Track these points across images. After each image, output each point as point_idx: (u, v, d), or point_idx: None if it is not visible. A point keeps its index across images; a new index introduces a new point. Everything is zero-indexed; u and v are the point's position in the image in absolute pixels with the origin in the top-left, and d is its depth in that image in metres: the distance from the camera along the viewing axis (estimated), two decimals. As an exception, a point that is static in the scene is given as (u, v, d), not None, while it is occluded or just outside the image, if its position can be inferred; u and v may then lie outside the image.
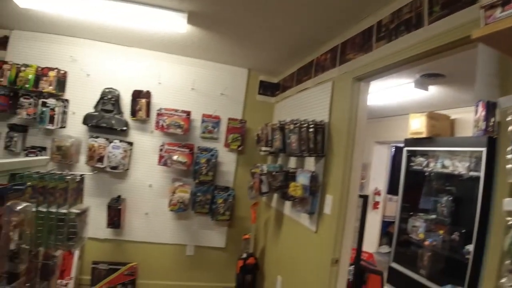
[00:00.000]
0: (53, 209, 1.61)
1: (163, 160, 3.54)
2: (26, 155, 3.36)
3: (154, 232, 3.72)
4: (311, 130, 2.59)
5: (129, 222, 3.67)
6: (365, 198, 2.85)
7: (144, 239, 3.72)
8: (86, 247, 3.63)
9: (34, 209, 1.53)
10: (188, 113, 3.60)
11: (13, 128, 3.39)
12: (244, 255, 3.53)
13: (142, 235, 3.71)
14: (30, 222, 1.38)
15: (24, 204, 1.33)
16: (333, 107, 2.63)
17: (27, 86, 3.30)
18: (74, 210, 1.67)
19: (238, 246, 3.84)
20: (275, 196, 3.45)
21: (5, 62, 3.31)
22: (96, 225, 3.55)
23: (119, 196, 3.60)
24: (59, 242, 1.61)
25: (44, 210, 1.58)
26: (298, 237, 2.91)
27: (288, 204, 3.10)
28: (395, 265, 4.39)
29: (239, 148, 3.81)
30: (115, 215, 3.47)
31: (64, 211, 1.63)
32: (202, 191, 3.61)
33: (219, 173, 3.79)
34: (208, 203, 3.64)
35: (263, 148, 3.43)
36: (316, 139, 2.59)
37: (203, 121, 3.74)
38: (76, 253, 3.50)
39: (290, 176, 2.91)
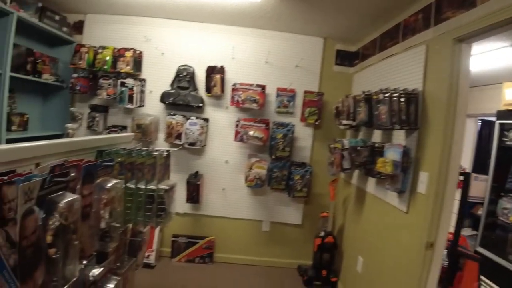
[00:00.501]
0: (142, 186, 1.53)
1: (239, 136, 3.42)
2: (109, 133, 3.45)
3: (231, 207, 3.67)
4: (402, 100, 2.25)
5: (207, 197, 3.65)
6: (466, 176, 2.46)
7: (221, 214, 3.68)
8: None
9: (123, 186, 1.46)
10: (263, 87, 3.41)
11: (94, 108, 3.49)
12: (322, 233, 3.33)
13: (219, 210, 3.68)
14: (120, 199, 1.29)
15: (114, 181, 1.25)
16: (428, 74, 2.25)
17: (105, 67, 3.34)
18: (162, 186, 1.57)
19: (314, 224, 3.65)
20: (356, 172, 3.16)
21: (83, 45, 3.38)
22: (176, 200, 3.57)
23: (197, 172, 3.59)
24: (148, 219, 1.54)
25: (133, 186, 1.50)
26: (383, 217, 2.62)
27: (372, 181, 2.81)
28: (482, 250, 3.89)
29: (316, 123, 3.54)
30: (194, 190, 3.46)
31: (153, 187, 1.55)
32: (278, 167, 3.44)
33: (295, 149, 3.58)
34: (284, 179, 3.46)
35: (344, 122, 3.13)
36: (409, 110, 2.25)
37: (278, 95, 3.52)
38: (158, 227, 3.59)
39: (376, 152, 2.61)
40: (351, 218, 3.28)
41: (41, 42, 3.40)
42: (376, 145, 2.64)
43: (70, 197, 0.99)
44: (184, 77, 3.38)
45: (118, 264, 1.49)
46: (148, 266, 3.43)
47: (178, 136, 3.43)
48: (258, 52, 3.55)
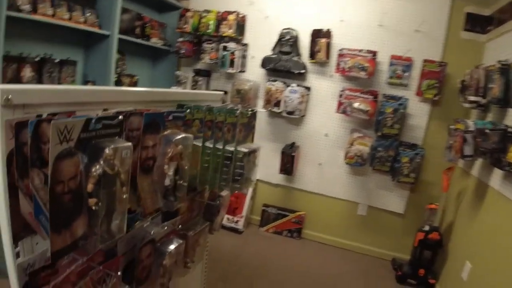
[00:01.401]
0: (220, 146, 1.32)
1: (342, 107, 3.00)
2: (212, 97, 3.39)
3: (326, 184, 3.32)
4: None
5: (301, 171, 3.37)
6: None
7: (315, 189, 3.37)
8: (259, 190, 3.56)
9: (200, 144, 1.27)
10: (373, 54, 2.89)
11: (198, 72, 3.46)
12: (426, 228, 2.77)
13: (313, 185, 3.37)
14: (189, 156, 1.09)
15: (183, 135, 1.04)
16: None
17: (208, 31, 3.23)
18: (242, 148, 1.34)
19: (419, 215, 3.07)
20: (479, 161, 2.48)
21: (188, 10, 3.33)
22: (269, 169, 3.41)
23: (293, 143, 3.32)
24: (223, 182, 1.33)
25: (211, 146, 1.29)
26: (508, 220, 1.98)
27: (499, 174, 2.14)
28: None
29: (435, 98, 2.88)
30: (288, 161, 3.21)
31: (231, 148, 1.32)
32: (384, 146, 2.93)
33: (406, 127, 3.00)
34: (389, 160, 2.94)
35: (471, 98, 2.46)
36: None
37: (391, 64, 2.95)
38: (249, 194, 3.47)
39: (509, 137, 1.95)
40: (464, 215, 2.63)
41: (151, 8, 3.47)
42: (510, 129, 1.98)
43: (119, 143, 0.81)
44: (286, 41, 3.08)
45: (183, 226, 1.33)
46: (235, 231, 3.36)
47: (277, 104, 3.18)
48: (371, 13, 3.00)
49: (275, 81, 3.17)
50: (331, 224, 3.36)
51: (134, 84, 3.39)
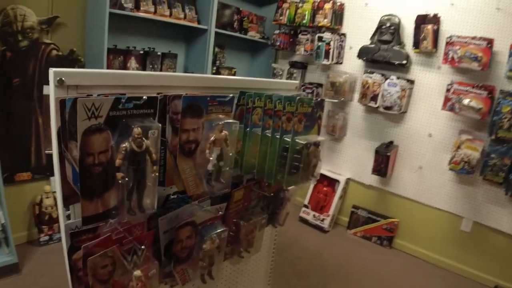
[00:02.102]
0: (278, 135, 1.24)
1: (450, 104, 2.54)
2: (303, 91, 3.30)
3: (425, 191, 2.90)
4: None
5: (397, 173, 3.02)
6: None
7: (412, 196, 2.98)
8: (349, 189, 3.34)
9: (259, 133, 1.22)
10: (489, 42, 2.35)
11: (293, 65, 3.39)
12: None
13: (410, 191, 2.99)
14: (235, 142, 1.05)
15: (226, 120, 1.01)
16: None
17: (304, 22, 3.13)
18: (300, 140, 1.23)
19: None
20: None
21: (284, 1, 3.26)
22: (362, 168, 3.16)
23: (390, 142, 2.99)
24: (279, 175, 1.25)
25: (268, 135, 1.23)
26: None
27: None
28: None
29: None
30: (382, 162, 2.90)
31: (288, 139, 1.23)
32: (498, 152, 2.37)
33: (535, 131, 2.40)
34: (504, 170, 2.36)
35: None
36: None
37: (511, 54, 2.38)
38: (338, 192, 3.28)
39: None
40: None
41: (251, 2, 3.53)
42: None
43: (148, 123, 0.82)
44: (387, 29, 2.76)
45: (237, 214, 1.30)
46: (321, 229, 3.22)
47: (374, 98, 2.90)
48: (490, -6, 2.47)
49: (372, 73, 2.89)
50: (427, 237, 2.93)
51: (233, 75, 3.53)
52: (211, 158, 1.00)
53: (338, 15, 3.05)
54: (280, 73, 3.52)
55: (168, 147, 0.97)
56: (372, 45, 2.85)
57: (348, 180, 3.31)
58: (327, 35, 2.98)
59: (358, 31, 3.03)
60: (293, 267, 2.62)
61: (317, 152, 1.31)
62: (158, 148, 0.85)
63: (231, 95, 1.04)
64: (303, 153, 1.24)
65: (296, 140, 1.23)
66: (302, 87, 3.32)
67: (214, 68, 3.33)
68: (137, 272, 0.90)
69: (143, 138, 0.81)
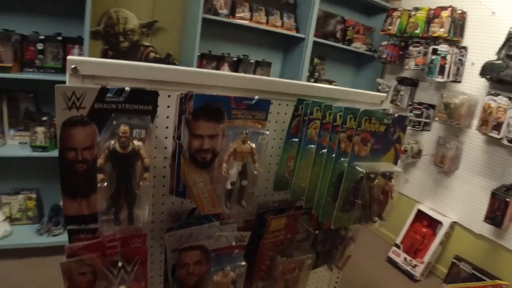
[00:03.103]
0: (341, 158, 0.95)
1: None
2: (410, 111, 2.80)
3: None
4: None
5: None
6: None
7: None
8: (454, 235, 2.68)
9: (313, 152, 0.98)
10: None
11: (401, 81, 2.91)
12: None
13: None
14: (262, 159, 0.83)
15: (254, 130, 0.80)
16: None
17: (416, 32, 2.65)
18: (360, 167, 0.93)
19: None
20: None
21: (395, 9, 2.82)
22: (472, 212, 2.52)
23: (515, 186, 2.30)
24: (331, 209, 0.96)
25: (323, 155, 0.97)
26: None
27: None
28: None
29: None
30: (499, 208, 2.23)
31: (344, 164, 0.94)
32: None
33: None
34: None
35: None
36: None
37: None
38: (439, 237, 2.65)
39: None
40: None
41: (359, 11, 3.20)
42: None
43: (142, 122, 0.67)
44: (523, 41, 2.11)
45: (271, 246, 1.06)
46: (410, 277, 2.65)
47: (497, 127, 2.26)
48: None
49: (497, 95, 2.25)
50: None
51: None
52: (228, 173, 0.80)
53: (458, 24, 2.49)
54: (386, 89, 3.08)
55: (183, 153, 0.80)
56: (499, 61, 2.22)
57: (453, 224, 2.66)
58: (443, 48, 2.46)
59: (483, 45, 2.44)
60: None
61: (388, 187, 0.98)
62: (150, 153, 0.68)
63: (256, 97, 0.81)
64: (363, 186, 0.93)
65: (355, 167, 0.93)
66: (410, 107, 2.82)
67: (312, 80, 3.11)
68: (123, 291, 0.76)
69: (133, 139, 0.66)
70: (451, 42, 2.52)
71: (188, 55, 2.49)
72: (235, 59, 2.66)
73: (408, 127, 2.69)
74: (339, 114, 0.93)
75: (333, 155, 0.92)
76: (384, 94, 1.36)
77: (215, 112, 0.77)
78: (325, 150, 0.96)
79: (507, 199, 2.18)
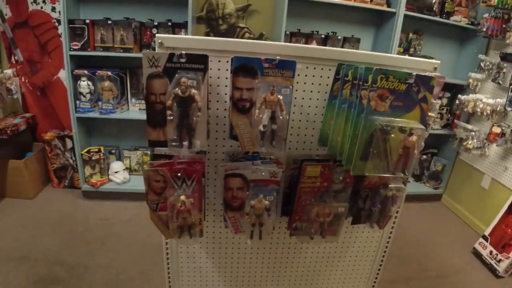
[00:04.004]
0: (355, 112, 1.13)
1: None
2: (511, 91, 2.57)
3: None
4: None
5: None
6: None
7: None
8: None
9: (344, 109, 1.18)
10: None
11: (505, 57, 2.66)
12: None
13: None
14: (285, 108, 1.08)
15: (277, 85, 1.06)
16: None
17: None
18: (377, 121, 1.10)
19: None
20: None
21: None
22: None
23: None
24: (352, 159, 1.15)
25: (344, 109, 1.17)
26: None
27: None
28: None
29: None
30: None
31: (383, 121, 1.10)
32: None
33: None
34: None
35: None
36: None
37: None
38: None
39: None
40: None
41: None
42: None
43: (196, 76, 1.01)
44: None
45: (310, 191, 1.30)
46: (493, 272, 2.51)
47: None
48: None
49: None
50: None
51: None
52: (260, 118, 1.08)
53: None
54: (490, 67, 2.85)
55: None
56: None
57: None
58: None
59: None
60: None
61: (408, 142, 1.13)
62: (203, 96, 1.02)
63: (278, 57, 1.05)
64: (377, 137, 1.10)
65: (371, 120, 1.10)
66: (511, 86, 2.59)
67: (407, 56, 3.08)
68: (183, 197, 1.13)
69: (190, 87, 1.00)
70: None
71: (278, 34, 2.79)
72: (323, 36, 2.84)
73: (509, 109, 2.51)
74: (370, 75, 1.11)
75: (356, 111, 1.11)
76: (438, 62, 1.41)
77: (250, 70, 1.06)
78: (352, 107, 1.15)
79: None
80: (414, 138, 1.11)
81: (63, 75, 3.07)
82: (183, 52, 1.00)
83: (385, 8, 2.76)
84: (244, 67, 1.04)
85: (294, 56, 1.16)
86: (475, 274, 2.52)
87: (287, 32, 2.70)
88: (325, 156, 1.35)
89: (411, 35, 2.99)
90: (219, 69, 1.20)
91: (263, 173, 1.19)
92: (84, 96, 2.83)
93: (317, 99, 1.31)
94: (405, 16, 2.75)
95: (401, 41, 3.00)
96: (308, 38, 2.79)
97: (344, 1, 2.69)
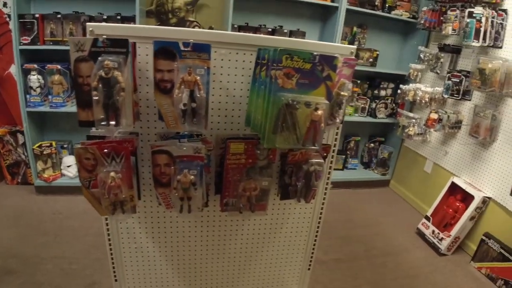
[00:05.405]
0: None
1: None
2: (448, 79, 2.86)
3: None
4: None
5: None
6: None
7: None
8: (487, 211, 2.72)
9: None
10: None
11: (442, 48, 2.96)
12: None
13: None
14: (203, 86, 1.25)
15: (195, 66, 1.23)
16: None
17: (451, -6, 2.68)
18: (283, 97, 1.27)
19: None
20: None
21: None
22: (507, 188, 2.53)
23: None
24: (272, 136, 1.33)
25: (262, 89, 1.34)
26: None
27: None
28: None
29: None
30: (530, 181, 2.26)
31: (289, 97, 1.27)
32: None
33: None
34: None
35: None
36: None
37: None
38: (469, 212, 2.72)
39: None
40: None
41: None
42: None
43: (118, 58, 1.16)
44: None
45: (237, 166, 1.47)
46: (436, 250, 2.79)
47: (535, 94, 2.27)
48: None
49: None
50: None
51: (374, 59, 3.43)
52: (180, 96, 1.24)
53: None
54: (429, 58, 3.15)
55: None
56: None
57: (487, 200, 2.70)
58: (478, 10, 2.49)
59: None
60: (374, 275, 2.46)
61: (314, 116, 1.32)
62: (126, 78, 1.17)
63: (191, 40, 1.22)
64: (285, 112, 1.28)
65: (279, 96, 1.27)
66: (448, 75, 2.88)
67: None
68: (112, 173, 1.28)
69: (113, 69, 1.15)
70: (489, 4, 2.53)
71: (226, 28, 2.97)
72: (270, 29, 3.05)
73: (446, 96, 2.79)
74: (285, 56, 1.28)
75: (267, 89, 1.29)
76: (354, 46, 1.61)
77: (169, 53, 1.22)
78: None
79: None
80: (319, 112, 1.31)
81: (14, 70, 3.12)
82: (105, 36, 1.16)
83: (328, 2, 3.00)
84: (164, 50, 1.20)
85: (211, 41, 1.32)
86: (419, 253, 2.79)
87: (235, 26, 2.88)
88: (250, 135, 1.53)
89: (355, 29, 3.24)
90: (147, 55, 1.35)
91: (184, 148, 1.36)
92: (35, 90, 2.90)
93: (242, 82, 1.49)
94: (349, 10, 3.00)
95: (346, 34, 3.25)
96: (255, 31, 2.98)
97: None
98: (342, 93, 1.53)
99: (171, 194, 1.39)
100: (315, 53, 1.28)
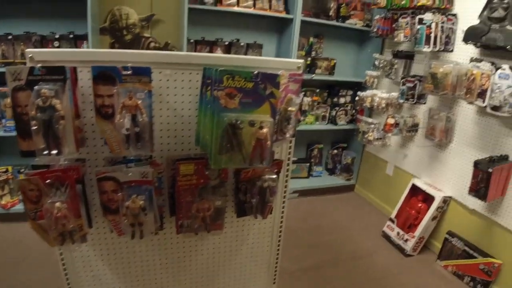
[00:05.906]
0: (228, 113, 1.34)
1: None
2: (403, 84, 2.99)
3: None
4: None
5: (508, 199, 2.41)
6: None
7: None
8: (449, 210, 2.85)
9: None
10: None
11: (396, 54, 3.11)
12: None
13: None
14: (145, 110, 1.27)
15: (135, 89, 1.24)
16: None
17: (403, 2, 2.83)
18: (226, 117, 1.30)
19: None
20: None
21: None
22: (465, 186, 2.66)
23: (504, 156, 2.42)
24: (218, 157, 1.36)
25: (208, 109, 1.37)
26: None
27: None
28: None
29: None
30: (482, 180, 2.38)
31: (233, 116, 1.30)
32: None
33: None
34: None
35: None
36: None
37: None
38: (431, 212, 2.84)
39: None
40: None
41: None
42: None
43: (55, 86, 1.16)
44: (499, 2, 2.23)
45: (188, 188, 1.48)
46: (402, 251, 2.88)
47: (481, 94, 2.40)
48: None
49: (480, 61, 2.40)
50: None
51: (332, 67, 3.53)
52: (121, 121, 1.25)
53: (445, -10, 2.65)
54: (384, 65, 3.28)
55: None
56: (479, 25, 2.36)
57: (447, 199, 2.82)
58: (428, 16, 2.64)
59: (473, 11, 2.53)
60: (343, 281, 2.52)
61: (261, 135, 1.35)
62: (65, 105, 1.17)
63: (129, 65, 1.24)
64: (229, 132, 1.30)
65: (222, 117, 1.30)
66: (402, 80, 3.01)
67: (309, 59, 3.42)
68: (58, 204, 1.26)
69: (50, 97, 1.15)
70: (439, 10, 2.68)
71: (182, 43, 3.00)
72: (226, 43, 3.10)
73: (401, 101, 2.91)
74: (226, 76, 1.32)
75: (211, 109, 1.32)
76: (301, 61, 1.66)
77: (108, 78, 1.23)
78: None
79: (489, 170, 2.32)
80: (265, 130, 1.34)
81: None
82: (39, 65, 1.15)
83: (283, 14, 3.09)
84: (103, 75, 1.21)
85: (152, 63, 1.34)
86: (386, 255, 2.87)
87: (191, 40, 2.91)
88: (201, 154, 1.55)
89: (311, 39, 3.35)
90: (89, 79, 1.35)
91: (130, 174, 1.36)
92: (-13, 114, 2.83)
93: (189, 102, 1.51)
94: (304, 21, 3.10)
95: (303, 45, 3.35)
96: (212, 45, 3.03)
97: (244, 9, 2.96)
98: (289, 108, 1.57)
99: (121, 220, 1.39)
100: (255, 72, 1.32)
